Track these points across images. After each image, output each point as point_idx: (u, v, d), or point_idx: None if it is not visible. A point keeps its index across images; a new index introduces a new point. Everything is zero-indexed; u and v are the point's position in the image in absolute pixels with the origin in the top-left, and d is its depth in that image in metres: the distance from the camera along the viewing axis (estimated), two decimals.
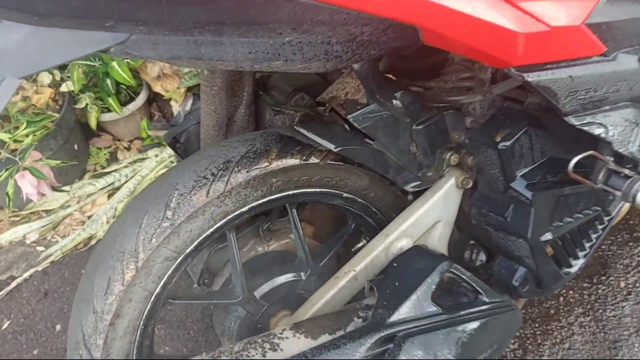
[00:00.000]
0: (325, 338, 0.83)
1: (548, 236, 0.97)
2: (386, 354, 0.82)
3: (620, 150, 0.88)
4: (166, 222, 0.86)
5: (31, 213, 1.95)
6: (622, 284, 1.42)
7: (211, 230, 0.91)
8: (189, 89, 2.04)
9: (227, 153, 0.92)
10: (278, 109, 1.03)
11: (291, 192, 0.97)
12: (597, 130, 0.86)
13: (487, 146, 0.92)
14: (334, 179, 0.99)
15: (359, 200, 1.05)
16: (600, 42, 0.81)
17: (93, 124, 2.05)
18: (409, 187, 1.02)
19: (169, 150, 2.05)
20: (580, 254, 1.07)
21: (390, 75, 1.08)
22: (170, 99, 2.13)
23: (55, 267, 1.74)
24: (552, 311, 1.41)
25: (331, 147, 0.92)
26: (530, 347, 1.35)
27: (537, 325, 1.39)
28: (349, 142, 0.95)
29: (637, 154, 0.90)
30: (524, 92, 1.00)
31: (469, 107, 1.02)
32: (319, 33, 0.67)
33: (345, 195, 1.03)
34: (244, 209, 0.93)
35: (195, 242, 0.90)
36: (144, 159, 2.05)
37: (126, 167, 2.04)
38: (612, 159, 0.89)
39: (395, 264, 0.93)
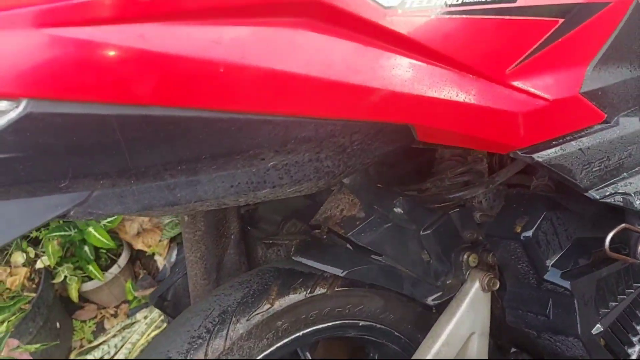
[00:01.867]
0: None
1: (599, 328, 0.85)
2: None
3: None
4: None
5: None
6: None
7: None
8: (172, 240, 1.96)
9: (221, 303, 0.81)
10: (270, 241, 0.95)
11: (301, 333, 0.84)
12: (622, 201, 0.78)
13: (507, 239, 0.84)
14: (346, 308, 0.88)
15: (378, 326, 0.93)
16: (598, 109, 0.76)
17: (74, 295, 1.92)
18: (430, 301, 0.91)
19: (158, 311, 1.91)
20: (635, 339, 0.95)
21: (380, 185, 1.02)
22: (153, 254, 2.03)
23: None
24: None
25: (337, 272, 0.82)
26: None
27: None
28: (355, 262, 0.85)
29: None
30: (527, 176, 0.94)
31: (474, 202, 0.95)
32: (305, 151, 0.60)
33: (361, 323, 0.91)
34: None
35: None
36: (132, 323, 1.90)
37: (114, 336, 1.88)
38: None
39: None
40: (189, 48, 0.49)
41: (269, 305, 0.80)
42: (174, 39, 0.48)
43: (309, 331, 0.85)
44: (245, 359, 0.77)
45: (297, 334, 0.84)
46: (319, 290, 0.85)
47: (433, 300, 0.91)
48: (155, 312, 1.86)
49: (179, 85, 0.49)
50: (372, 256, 0.87)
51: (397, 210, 0.88)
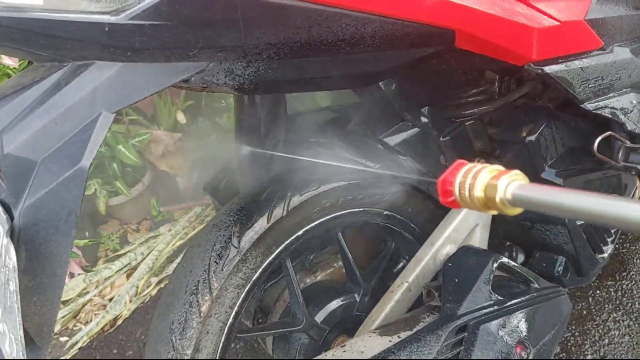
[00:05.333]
0: (403, 335, 0.86)
1: (582, 220, 1.04)
2: (463, 342, 0.86)
3: (633, 129, 0.98)
4: (234, 251, 0.90)
5: None
6: None
7: (273, 255, 0.95)
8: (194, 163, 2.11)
9: (275, 187, 0.97)
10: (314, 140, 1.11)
11: (339, 213, 1.02)
12: (610, 114, 0.96)
13: (515, 143, 1.01)
14: (375, 197, 1.06)
15: (398, 216, 1.11)
16: (598, 36, 0.93)
17: (102, 208, 2.08)
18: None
19: (182, 223, 2.08)
20: (609, 239, 1.14)
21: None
22: (175, 175, 2.19)
23: (84, 352, 1.70)
24: (584, 312, 1.45)
25: (370, 165, 1.00)
26: (572, 348, 1.38)
27: (574, 327, 1.42)
28: (384, 159, 1.02)
29: None
30: (529, 99, 1.11)
31: (486, 118, 1.12)
32: (369, 46, 0.76)
33: (385, 212, 1.09)
34: (299, 233, 0.97)
35: (260, 269, 0.94)
36: (156, 236, 2.07)
37: (140, 245, 2.05)
38: (627, 138, 0.99)
39: (450, 264, 0.98)
40: None
41: (316, 187, 0.98)
42: None
43: (345, 212, 1.03)
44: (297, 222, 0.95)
45: (336, 214, 1.02)
46: (354, 180, 1.02)
47: None
48: (179, 226, 2.03)
49: None
50: (399, 156, 1.04)
51: (423, 118, 1.05)
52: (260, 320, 1.16)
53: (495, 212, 0.55)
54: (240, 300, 0.92)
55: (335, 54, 0.76)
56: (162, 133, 2.09)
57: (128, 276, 1.96)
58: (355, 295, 1.10)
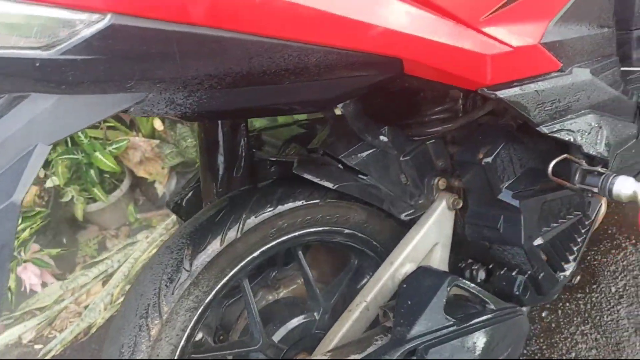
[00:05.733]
0: (353, 358, 0.86)
1: (539, 241, 1.04)
2: None
3: (590, 152, 0.98)
4: (185, 275, 0.90)
5: (24, 313, 1.92)
6: (613, 289, 1.49)
7: (227, 277, 0.95)
8: (172, 169, 2.11)
9: (233, 205, 0.97)
10: (275, 159, 1.11)
11: (297, 233, 1.02)
12: (567, 136, 0.96)
13: (472, 164, 1.01)
14: (335, 216, 1.05)
15: (360, 234, 1.11)
16: (556, 59, 0.92)
17: (80, 215, 2.07)
18: (403, 216, 1.08)
19: (159, 231, 2.08)
20: (570, 257, 1.14)
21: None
22: (154, 181, 2.19)
23: None
24: (553, 325, 1.46)
25: (329, 185, 0.99)
26: None
27: (541, 340, 1.43)
28: (344, 179, 1.02)
29: (604, 152, 1.00)
30: (494, 117, 1.11)
31: (448, 136, 1.11)
32: (313, 75, 0.76)
33: (346, 231, 1.08)
34: (255, 254, 0.97)
35: (213, 292, 0.94)
36: (134, 242, 2.07)
37: (117, 253, 2.05)
38: (584, 160, 0.99)
39: (405, 285, 0.98)
40: None
41: (272, 208, 0.97)
42: None
43: (304, 232, 1.03)
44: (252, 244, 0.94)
45: (294, 234, 1.01)
46: (314, 200, 1.02)
47: (406, 216, 1.09)
48: (157, 233, 2.03)
49: (224, 10, 0.64)
50: (359, 175, 1.04)
51: (383, 138, 1.04)
52: (221, 337, 1.16)
53: None
54: (192, 323, 0.92)
55: (280, 83, 0.75)
56: (140, 139, 2.08)
57: (104, 283, 1.96)
58: (315, 313, 1.09)
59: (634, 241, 1.59)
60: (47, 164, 2.01)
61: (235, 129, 1.07)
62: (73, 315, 1.87)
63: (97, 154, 1.98)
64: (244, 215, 0.95)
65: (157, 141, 2.12)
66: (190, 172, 2.15)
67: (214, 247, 0.92)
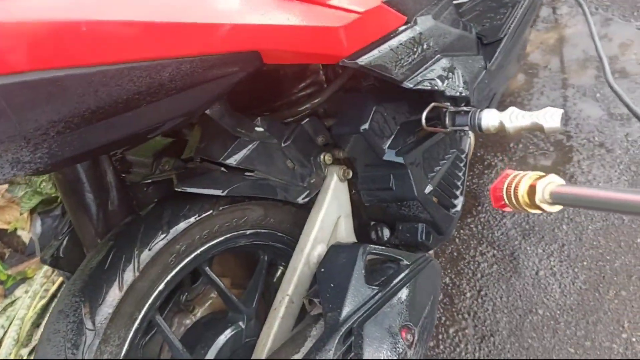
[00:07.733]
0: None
1: (430, 188, 1.08)
2: (352, 347, 0.86)
3: (452, 94, 1.02)
4: (91, 335, 0.81)
5: None
6: None
7: (138, 321, 0.87)
8: (32, 211, 1.89)
9: (119, 243, 0.89)
10: (150, 180, 1.02)
11: (198, 252, 0.96)
12: (429, 85, 0.99)
13: (350, 134, 1.01)
14: (232, 222, 1.01)
15: (262, 231, 1.07)
16: (399, 13, 0.94)
17: None
18: (300, 200, 1.07)
19: (38, 281, 1.88)
20: (457, 192, 1.21)
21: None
22: (15, 229, 1.96)
23: None
24: (455, 254, 1.55)
25: (218, 192, 0.94)
26: (453, 291, 1.47)
27: (449, 271, 1.52)
28: (232, 182, 0.97)
29: (464, 91, 1.05)
30: (358, 80, 1.11)
31: (320, 110, 1.10)
32: (170, 90, 0.69)
33: (248, 232, 1.04)
34: (161, 287, 0.90)
35: (128, 341, 0.86)
36: (13, 301, 1.85)
37: None
38: (449, 103, 1.03)
39: (323, 270, 0.97)
40: (50, 12, 0.55)
41: (165, 234, 0.90)
42: (32, 7, 0.54)
43: (205, 248, 0.97)
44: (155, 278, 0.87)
45: (195, 253, 0.96)
46: (206, 212, 0.96)
47: (303, 199, 1.07)
48: (37, 284, 1.83)
49: (48, 49, 0.56)
50: (246, 174, 0.99)
51: (259, 129, 1.00)
52: None
53: (539, 212, 0.71)
54: None
55: (137, 107, 0.68)
56: None
57: None
58: (240, 322, 1.06)
59: (501, 157, 1.73)
60: None
61: (95, 159, 0.97)
62: None
63: None
64: (136, 251, 0.87)
65: (5, 186, 1.88)
66: (53, 209, 1.94)
67: (114, 295, 0.84)
